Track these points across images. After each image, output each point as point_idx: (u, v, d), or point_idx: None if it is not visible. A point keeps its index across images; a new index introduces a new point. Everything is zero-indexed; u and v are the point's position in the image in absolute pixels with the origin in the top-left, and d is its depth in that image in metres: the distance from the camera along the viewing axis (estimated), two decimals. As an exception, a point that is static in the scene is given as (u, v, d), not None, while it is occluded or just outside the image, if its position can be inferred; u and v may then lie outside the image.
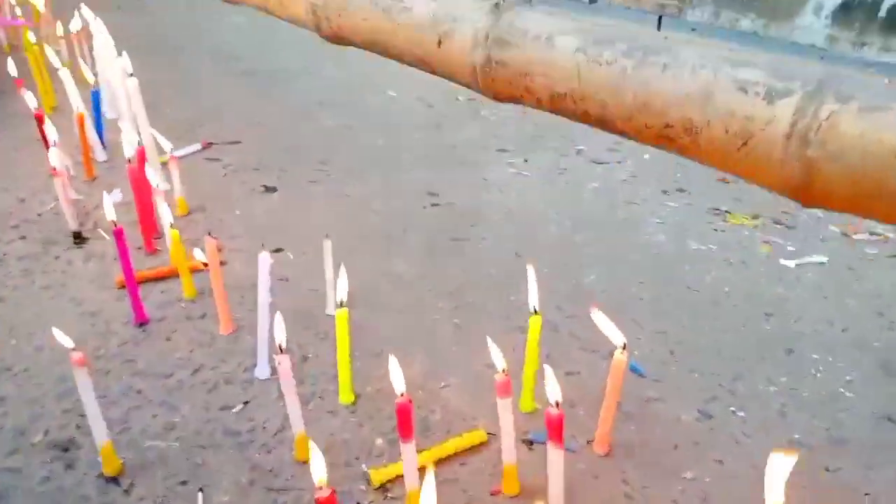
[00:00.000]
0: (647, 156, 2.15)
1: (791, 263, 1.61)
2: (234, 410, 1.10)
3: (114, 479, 0.97)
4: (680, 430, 1.10)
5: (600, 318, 1.01)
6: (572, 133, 2.26)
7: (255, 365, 1.18)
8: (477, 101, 2.48)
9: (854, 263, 1.62)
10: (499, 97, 0.94)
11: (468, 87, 0.98)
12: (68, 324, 1.27)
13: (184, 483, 0.98)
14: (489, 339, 0.92)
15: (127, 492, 0.96)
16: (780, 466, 0.73)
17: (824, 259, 1.63)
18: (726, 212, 1.85)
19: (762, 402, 1.16)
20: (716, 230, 1.76)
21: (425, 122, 2.38)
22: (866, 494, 1.00)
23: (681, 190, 1.97)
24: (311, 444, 0.77)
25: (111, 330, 1.26)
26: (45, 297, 1.35)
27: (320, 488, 0.75)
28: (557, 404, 0.85)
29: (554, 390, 0.86)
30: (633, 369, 1.23)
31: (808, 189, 0.64)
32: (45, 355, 1.18)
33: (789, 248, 1.68)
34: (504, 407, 0.91)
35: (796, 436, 1.10)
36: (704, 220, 1.81)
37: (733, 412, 1.14)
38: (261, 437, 1.06)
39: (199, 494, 0.96)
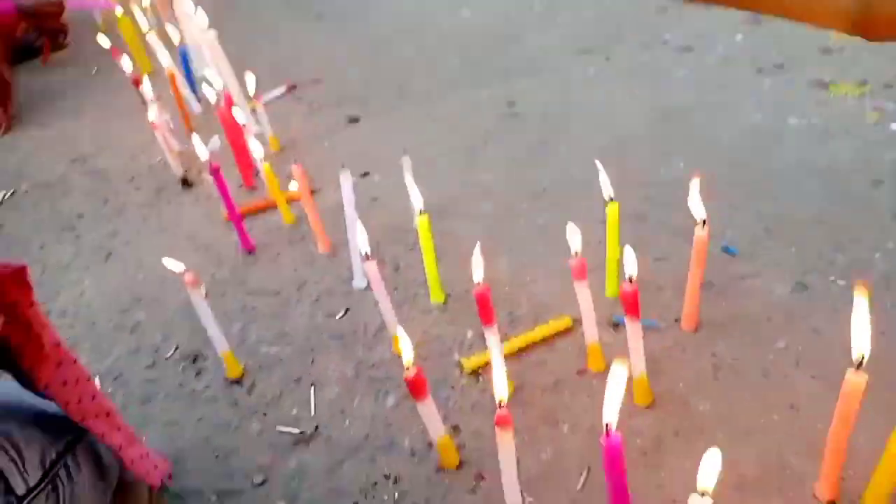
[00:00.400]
0: (739, 36, 2.01)
1: (903, 128, 1.48)
2: (337, 317, 1.20)
3: (237, 381, 1.09)
4: (773, 304, 1.08)
5: (692, 193, 0.98)
6: (657, 25, 2.15)
7: (352, 277, 1.27)
8: (555, 8, 2.42)
9: (979, 120, 1.48)
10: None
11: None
12: (186, 257, 1.39)
13: (297, 380, 1.08)
14: (570, 224, 0.94)
15: (249, 391, 1.08)
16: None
17: (943, 119, 1.49)
18: (830, 83, 1.72)
19: (865, 270, 1.11)
20: (818, 103, 1.64)
21: (502, 36, 2.34)
22: (980, 350, 0.94)
23: (778, 66, 1.84)
24: (399, 330, 0.83)
25: (223, 259, 1.39)
26: (164, 237, 1.49)
27: (408, 368, 0.81)
28: (631, 279, 0.86)
29: (630, 266, 0.87)
30: (726, 250, 1.20)
31: (867, 18, 0.60)
32: (169, 284, 1.32)
33: (902, 113, 1.55)
34: (581, 289, 0.94)
35: (902, 299, 1.05)
36: (805, 94, 1.69)
37: (833, 281, 1.10)
38: (362, 337, 1.14)
39: (312, 388, 1.06)
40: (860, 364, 0.71)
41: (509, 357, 1.06)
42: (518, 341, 1.07)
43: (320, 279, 1.29)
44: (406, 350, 0.80)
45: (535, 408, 0.98)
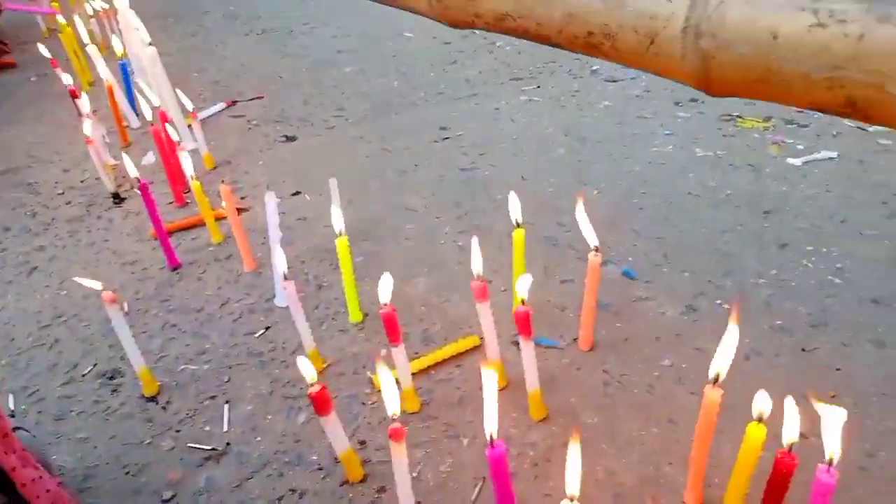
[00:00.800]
0: (659, 69, 2.13)
1: (798, 161, 1.61)
2: (256, 335, 1.24)
3: (153, 399, 1.12)
4: (664, 325, 1.16)
5: (582, 218, 1.05)
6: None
7: (275, 295, 1.31)
8: (493, 34, 2.50)
9: (866, 157, 1.61)
10: (455, 24, 0.99)
11: (427, 16, 1.04)
12: (111, 273, 1.43)
13: (213, 397, 1.12)
14: (474, 242, 1.00)
15: (164, 408, 1.10)
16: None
17: (834, 154, 1.62)
18: (738, 117, 1.84)
19: (749, 294, 1.21)
20: (725, 136, 1.76)
21: (441, 60, 2.42)
22: (837, 370, 1.04)
23: (693, 100, 1.96)
24: (300, 358, 0.88)
25: (148, 275, 1.41)
26: (90, 252, 1.51)
27: (312, 385, 0.86)
28: (524, 301, 0.93)
29: (523, 290, 0.94)
30: (626, 274, 1.29)
31: (707, 78, 0.68)
32: (91, 301, 1.34)
33: (799, 147, 1.67)
34: (483, 309, 1.00)
35: (778, 322, 1.14)
36: (715, 127, 1.81)
37: (719, 305, 1.19)
38: (280, 355, 1.19)
39: (226, 405, 1.10)
40: (716, 381, 0.79)
41: (420, 374, 1.11)
42: (428, 359, 1.13)
43: (243, 297, 1.33)
44: (307, 368, 0.85)
45: (439, 422, 1.04)
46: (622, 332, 1.16)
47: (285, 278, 1.08)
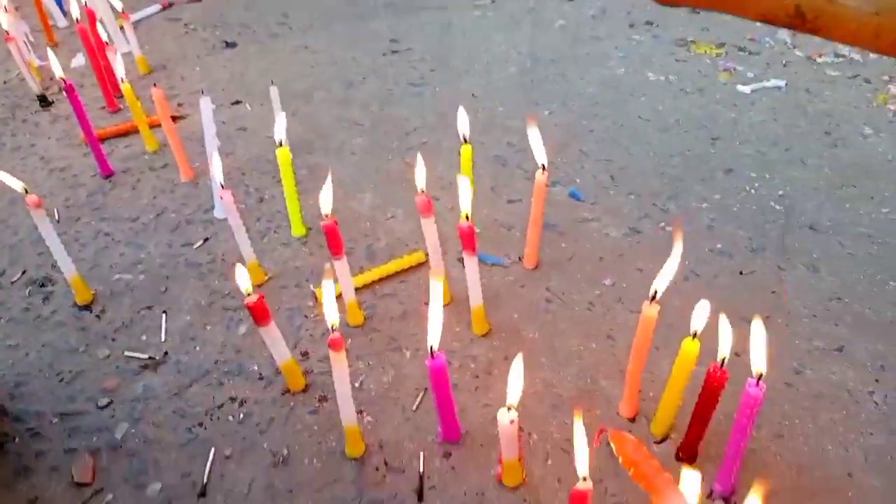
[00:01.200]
0: (617, -10, 2.08)
1: (747, 89, 1.61)
2: (195, 246, 1.20)
3: (86, 307, 1.08)
4: (607, 245, 1.17)
5: (533, 135, 1.03)
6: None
7: (213, 206, 1.26)
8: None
9: (812, 86, 1.63)
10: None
11: None
12: (39, 179, 1.35)
13: (149, 307, 1.09)
14: (418, 156, 0.97)
15: (98, 317, 1.07)
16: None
17: (782, 83, 1.63)
18: (692, 42, 1.83)
19: (692, 218, 1.23)
20: (678, 60, 1.75)
21: (392, -31, 2.31)
22: (772, 292, 1.08)
23: (649, 23, 1.93)
24: (238, 266, 0.86)
25: (79, 182, 1.34)
26: (16, 158, 1.42)
27: (248, 295, 0.84)
28: (468, 217, 0.91)
29: (464, 204, 0.93)
30: (573, 195, 1.29)
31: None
32: (19, 208, 1.27)
33: (749, 75, 1.68)
34: (428, 224, 0.99)
35: (719, 245, 1.17)
36: (668, 51, 1.79)
37: (662, 227, 1.21)
38: (219, 267, 1.15)
39: (164, 315, 1.07)
40: (654, 297, 0.80)
41: (364, 289, 1.10)
42: (372, 274, 1.11)
43: (180, 207, 1.28)
44: (243, 277, 0.83)
45: (382, 335, 1.04)
46: (566, 251, 1.17)
47: (222, 188, 1.04)
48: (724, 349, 0.75)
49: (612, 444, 0.44)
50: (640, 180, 1.32)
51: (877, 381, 0.94)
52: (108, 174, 1.35)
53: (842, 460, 0.85)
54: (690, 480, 0.60)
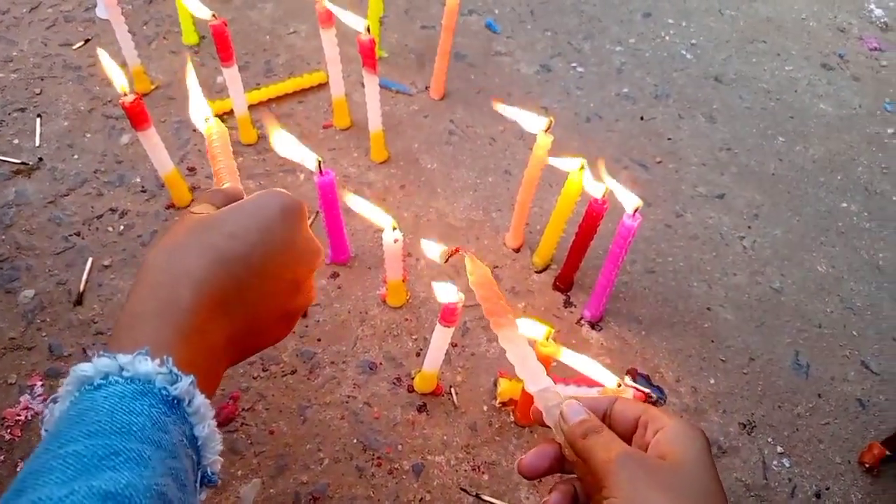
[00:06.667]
0: None
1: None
2: (74, 47, 1.09)
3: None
4: (517, 81, 1.15)
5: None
6: None
7: (95, 5, 1.14)
8: None
9: (745, -64, 1.57)
10: None
11: None
12: None
13: (22, 109, 1.00)
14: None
15: (-39, 115, 0.98)
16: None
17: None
18: None
19: (603, 60, 1.21)
20: None
21: None
22: (668, 139, 1.10)
23: None
24: (104, 57, 0.79)
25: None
26: None
27: (125, 95, 0.78)
28: (368, 29, 0.86)
29: (358, 24, 0.87)
30: (489, 26, 1.24)
31: None
32: None
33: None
34: (328, 37, 0.93)
35: (625, 90, 1.17)
36: None
37: (573, 67, 1.19)
38: (101, 71, 1.06)
39: (38, 119, 0.99)
40: (548, 128, 0.80)
41: (258, 105, 1.05)
42: (268, 90, 1.06)
43: (58, 3, 1.15)
44: (116, 76, 0.77)
45: (275, 155, 1.00)
46: (475, 84, 1.14)
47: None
48: (606, 185, 0.77)
49: (466, 264, 0.45)
50: (558, 17, 1.28)
51: (749, 227, 1.00)
52: (-31, -44, 1.18)
53: (704, 295, 0.91)
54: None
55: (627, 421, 0.43)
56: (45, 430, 0.36)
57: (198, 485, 0.38)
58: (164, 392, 0.36)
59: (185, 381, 0.37)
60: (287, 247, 0.47)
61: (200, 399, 0.38)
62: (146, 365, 0.36)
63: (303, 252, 0.48)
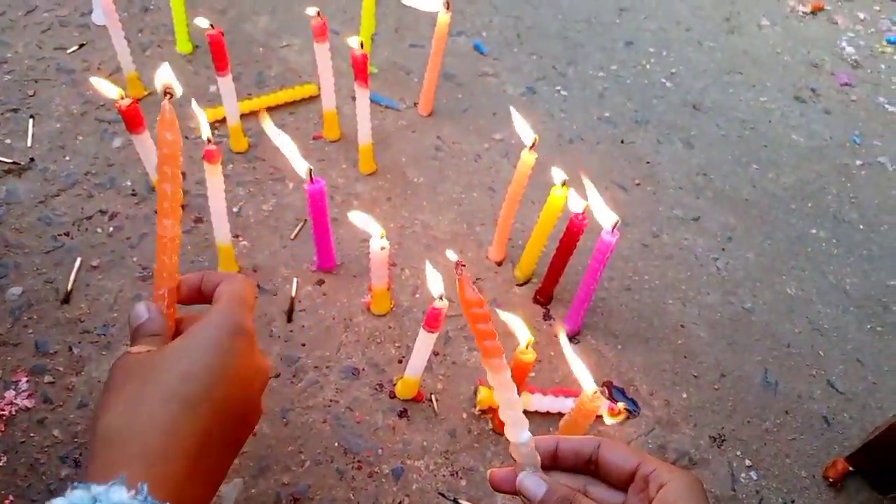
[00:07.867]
0: None
1: (663, -34, 1.60)
2: (69, 51, 1.11)
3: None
4: (503, 101, 1.19)
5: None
6: None
7: (91, 10, 1.16)
8: None
9: (724, -28, 1.64)
10: None
11: None
12: None
13: (15, 110, 1.01)
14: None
15: (-46, 113, 0.99)
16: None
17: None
18: None
19: (586, 84, 1.25)
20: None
21: None
22: (647, 163, 1.14)
23: None
24: (95, 80, 0.80)
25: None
26: None
27: (122, 99, 0.80)
28: (363, 45, 0.89)
29: (353, 42, 0.90)
30: (476, 47, 1.28)
31: None
32: None
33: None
34: (321, 51, 0.95)
35: (606, 114, 1.21)
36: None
37: (557, 91, 1.23)
38: (95, 75, 1.08)
39: (31, 120, 1.00)
40: (533, 146, 0.83)
41: (250, 115, 1.07)
42: (260, 101, 1.08)
43: (54, 7, 1.17)
44: (106, 87, 0.79)
45: (266, 164, 1.02)
46: (462, 102, 1.17)
47: (103, -13, 0.96)
48: (586, 202, 0.80)
49: (464, 289, 0.46)
50: (544, 42, 1.32)
51: (723, 249, 1.03)
52: (-34, -41, 1.19)
53: (678, 313, 0.95)
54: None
55: (622, 471, 0.46)
56: None
57: None
58: None
59: None
60: (243, 377, 0.48)
61: None
62: (120, 494, 0.36)
63: (256, 373, 0.50)
